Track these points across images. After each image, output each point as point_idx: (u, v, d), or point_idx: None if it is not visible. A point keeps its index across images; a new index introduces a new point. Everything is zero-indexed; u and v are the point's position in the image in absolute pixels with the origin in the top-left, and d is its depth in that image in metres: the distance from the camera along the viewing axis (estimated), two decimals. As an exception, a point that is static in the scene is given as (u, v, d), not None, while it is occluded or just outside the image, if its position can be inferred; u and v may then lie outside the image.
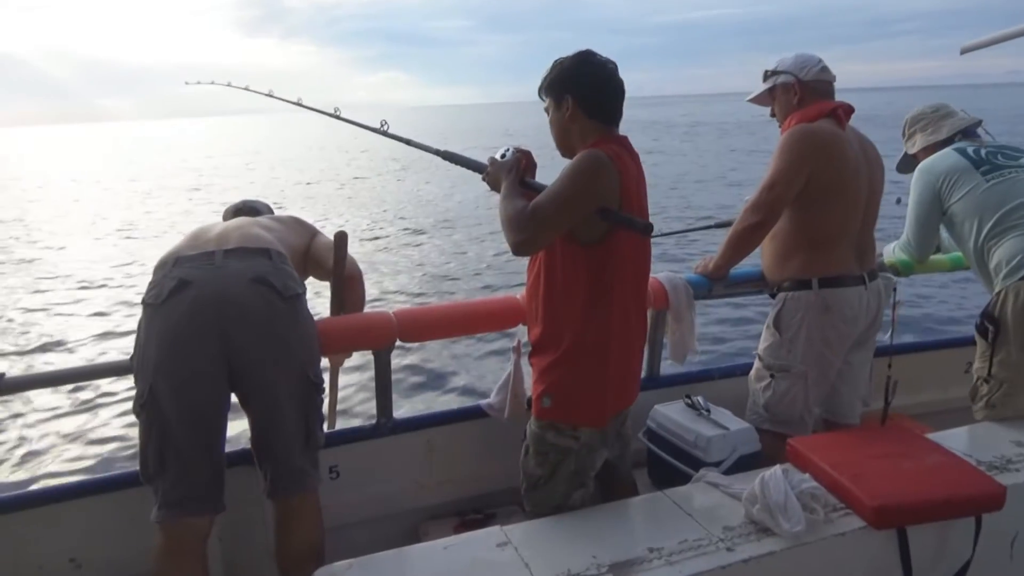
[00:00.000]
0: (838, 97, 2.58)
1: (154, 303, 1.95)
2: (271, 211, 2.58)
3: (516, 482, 2.60)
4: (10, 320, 8.67)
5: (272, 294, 1.98)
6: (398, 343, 2.42)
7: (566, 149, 2.05)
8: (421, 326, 2.46)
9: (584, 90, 1.98)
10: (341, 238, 2.29)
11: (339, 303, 2.37)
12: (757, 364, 2.62)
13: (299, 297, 2.08)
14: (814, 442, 2.22)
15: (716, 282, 2.73)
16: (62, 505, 2.21)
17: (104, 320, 8.43)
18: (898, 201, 3.02)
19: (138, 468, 1.99)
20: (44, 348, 7.45)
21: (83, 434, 5.17)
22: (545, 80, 2.05)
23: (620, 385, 2.06)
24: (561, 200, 1.84)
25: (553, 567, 1.71)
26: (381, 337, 2.36)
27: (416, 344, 5.03)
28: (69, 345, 7.46)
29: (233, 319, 1.93)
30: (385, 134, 2.33)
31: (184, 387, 1.90)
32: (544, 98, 2.07)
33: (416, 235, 13.74)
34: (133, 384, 1.97)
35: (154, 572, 1.94)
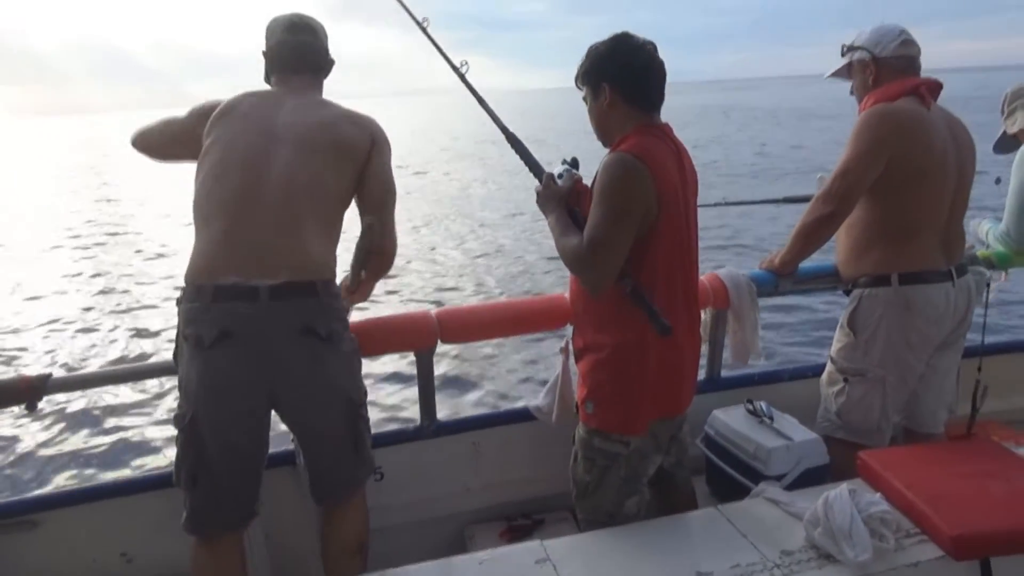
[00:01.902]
0: (938, 77, 2.32)
1: (196, 345, 1.85)
2: (325, 39, 2.22)
3: (565, 487, 2.50)
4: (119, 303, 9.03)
5: (317, 342, 1.91)
6: (440, 344, 2.35)
7: (606, 138, 1.95)
8: (464, 326, 2.37)
9: (622, 76, 1.87)
10: (369, 228, 2.07)
11: (359, 269, 2.12)
12: (829, 367, 2.42)
13: (344, 325, 2.02)
14: (888, 457, 2.03)
15: (783, 278, 2.54)
16: (114, 501, 2.25)
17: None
18: (997, 181, 2.74)
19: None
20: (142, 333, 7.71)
21: (135, 432, 5.34)
22: (581, 68, 1.95)
23: (665, 390, 1.93)
24: (609, 224, 1.77)
25: None
26: (422, 338, 2.29)
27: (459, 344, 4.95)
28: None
29: (279, 378, 1.89)
30: (462, 77, 2.12)
31: (224, 428, 1.88)
32: (581, 87, 1.97)
33: (460, 228, 13.65)
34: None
35: (191, 572, 1.95)
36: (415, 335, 2.29)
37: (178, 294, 1.93)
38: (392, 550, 2.09)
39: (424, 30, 2.16)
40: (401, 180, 2.25)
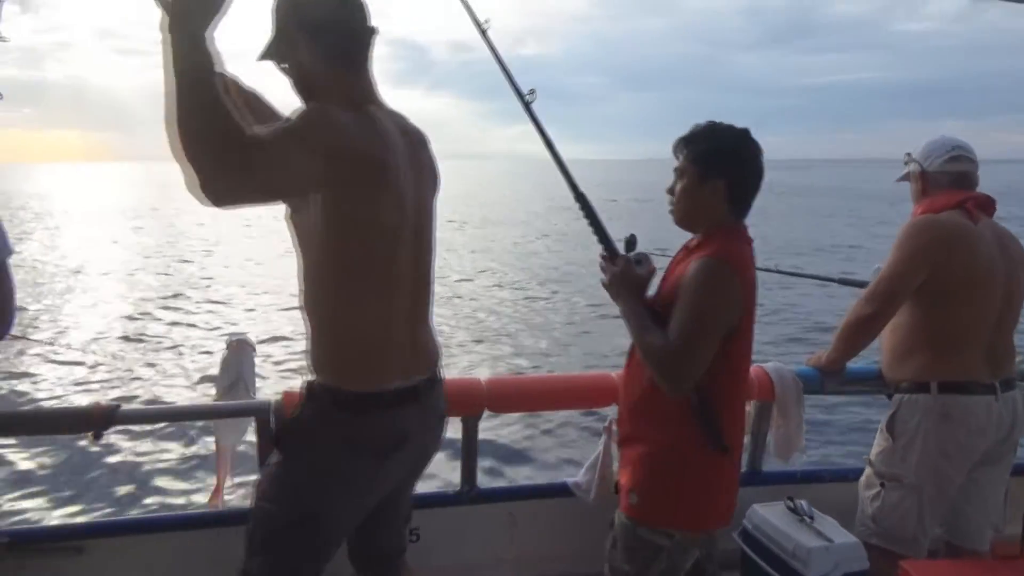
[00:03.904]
0: (1002, 169, 2.36)
1: (368, 452, 1.69)
2: None
3: (596, 567, 2.50)
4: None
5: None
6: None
7: (688, 222, 1.93)
8: (512, 397, 2.43)
9: (738, 179, 1.85)
10: None
11: None
12: (868, 470, 2.41)
13: None
14: (932, 569, 2.00)
15: (829, 376, 2.55)
16: (153, 536, 2.32)
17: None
18: None
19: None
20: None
21: (182, 470, 5.41)
22: (696, 147, 1.87)
23: (714, 500, 1.91)
24: (700, 329, 1.75)
25: None
26: (471, 405, 2.35)
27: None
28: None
29: (420, 466, 1.90)
30: (527, 107, 1.97)
31: (353, 522, 1.80)
32: (681, 158, 1.90)
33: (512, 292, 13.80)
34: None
35: None
36: (464, 401, 2.34)
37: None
38: None
39: (507, 74, 1.98)
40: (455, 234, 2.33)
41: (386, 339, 1.67)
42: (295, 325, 11.25)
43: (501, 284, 14.99)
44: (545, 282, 15.10)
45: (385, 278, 1.65)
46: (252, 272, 16.25)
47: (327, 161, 1.51)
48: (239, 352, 2.02)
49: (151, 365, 8.53)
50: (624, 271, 1.91)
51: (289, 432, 1.72)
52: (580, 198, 1.98)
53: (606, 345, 9.30)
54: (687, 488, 1.85)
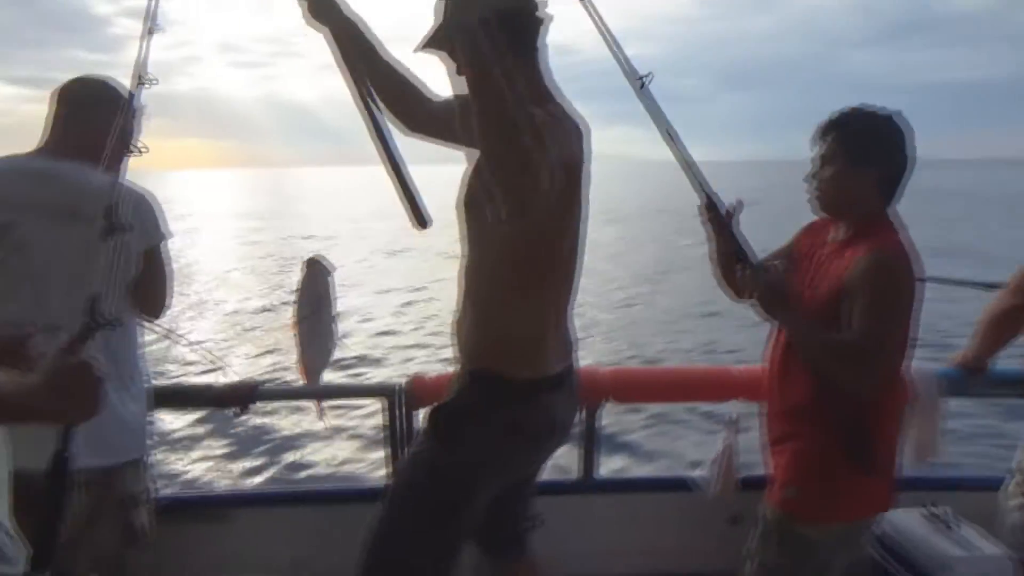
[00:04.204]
0: None
1: (527, 436, 1.72)
2: None
3: (715, 562, 2.44)
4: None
5: None
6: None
7: (837, 210, 1.86)
8: (634, 387, 2.42)
9: (891, 164, 1.78)
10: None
11: None
12: (1014, 479, 2.24)
13: None
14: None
15: (974, 378, 2.39)
16: (294, 508, 2.47)
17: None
18: None
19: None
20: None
21: (324, 446, 5.69)
22: (847, 130, 1.79)
23: (881, 494, 1.87)
24: (894, 326, 1.70)
25: None
26: (593, 393, 2.35)
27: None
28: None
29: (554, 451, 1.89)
30: (642, 87, 1.76)
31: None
32: (829, 141, 1.81)
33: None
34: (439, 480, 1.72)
35: None
36: (587, 389, 2.35)
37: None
38: None
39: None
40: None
41: (547, 327, 1.70)
42: (408, 316, 11.67)
43: (606, 280, 14.90)
44: (643, 281, 14.96)
45: (557, 272, 1.68)
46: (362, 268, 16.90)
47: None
48: (317, 272, 2.04)
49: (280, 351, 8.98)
50: (777, 281, 1.83)
51: (449, 418, 1.71)
52: (710, 204, 1.88)
53: (702, 341, 9.10)
54: (845, 484, 1.80)
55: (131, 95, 1.58)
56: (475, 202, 1.63)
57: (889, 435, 1.84)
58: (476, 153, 1.56)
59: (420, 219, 1.75)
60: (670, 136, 1.84)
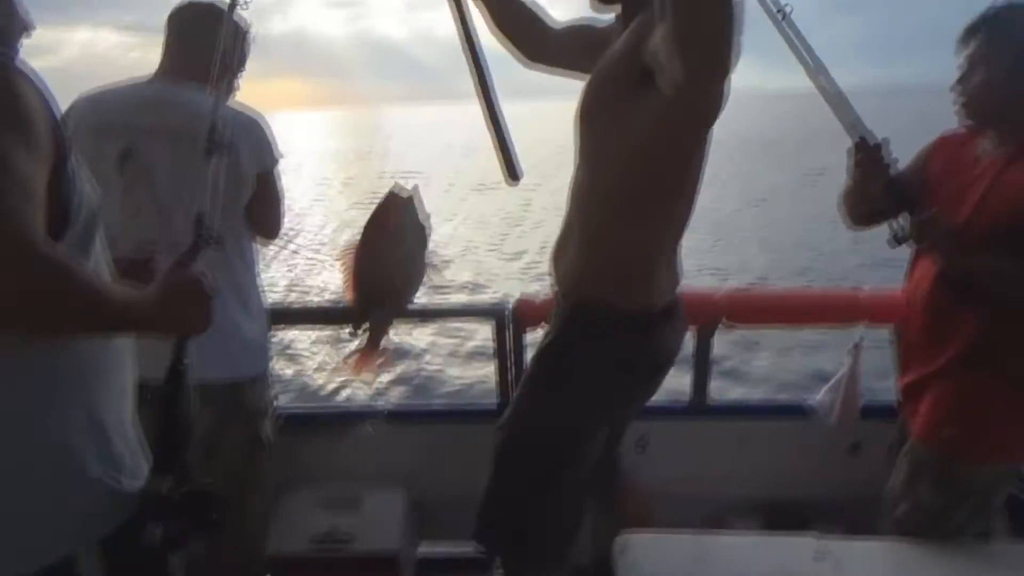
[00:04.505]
0: None
1: (637, 371, 1.66)
2: None
3: (834, 492, 2.37)
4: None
5: None
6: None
7: (988, 119, 1.69)
8: (751, 309, 2.33)
9: None
10: None
11: None
12: None
13: None
14: None
15: None
16: (407, 424, 2.55)
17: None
18: None
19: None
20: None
21: (436, 365, 5.88)
22: (1002, 29, 1.62)
23: None
24: None
25: None
26: (708, 315, 2.29)
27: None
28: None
29: None
30: (784, 19, 1.64)
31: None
32: (978, 42, 1.65)
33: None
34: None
35: None
36: (701, 312, 2.29)
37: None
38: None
39: None
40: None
41: (662, 255, 1.61)
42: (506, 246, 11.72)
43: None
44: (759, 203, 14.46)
45: (682, 196, 1.55)
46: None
47: None
48: (400, 203, 2.03)
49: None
50: (937, 220, 1.66)
51: (556, 358, 1.64)
52: (864, 144, 1.70)
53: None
54: (1010, 423, 1.69)
55: (232, 4, 1.57)
56: (595, 112, 1.53)
57: None
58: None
59: (513, 173, 1.69)
60: (816, 69, 1.69)
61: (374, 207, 2.08)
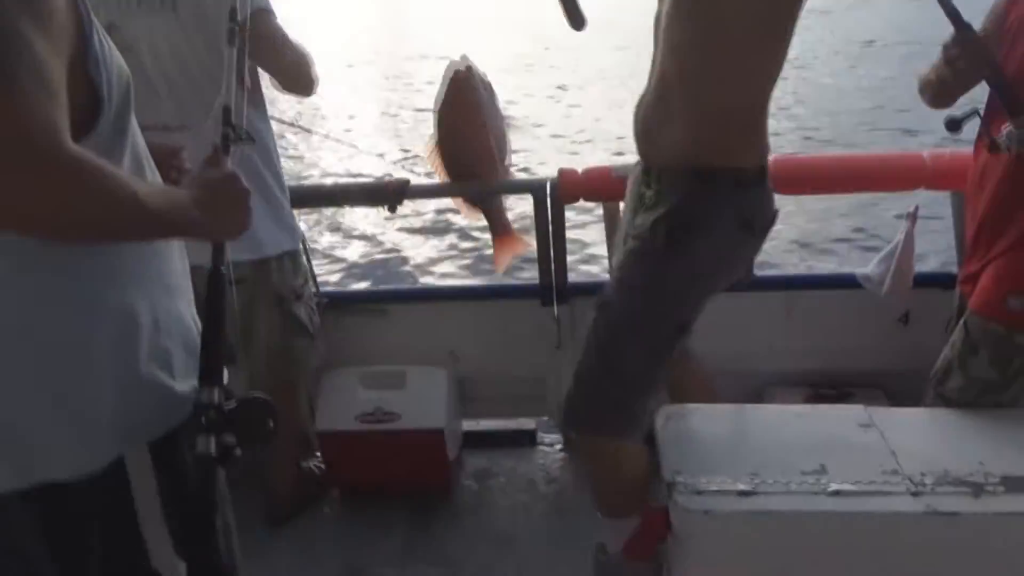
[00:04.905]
0: None
1: (757, 231, 1.58)
2: None
3: (881, 363, 2.34)
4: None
5: None
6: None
7: None
8: (800, 177, 2.21)
9: None
10: None
11: None
12: None
13: None
14: None
15: None
16: (449, 304, 2.56)
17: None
18: None
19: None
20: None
21: (470, 244, 5.84)
22: None
23: None
24: None
25: (926, 462, 1.50)
26: None
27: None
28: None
29: None
30: None
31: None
32: None
33: None
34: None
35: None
36: None
37: None
38: None
39: None
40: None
41: (766, 106, 1.50)
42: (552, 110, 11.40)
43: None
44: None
45: (784, 41, 1.44)
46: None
47: None
48: (465, 79, 1.93)
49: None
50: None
51: (678, 229, 1.51)
52: (966, 36, 1.56)
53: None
54: None
55: None
56: None
57: None
58: None
59: (577, 20, 1.55)
60: None
61: (440, 90, 1.99)
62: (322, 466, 2.39)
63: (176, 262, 1.14)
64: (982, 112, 1.68)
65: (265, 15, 1.85)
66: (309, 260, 2.44)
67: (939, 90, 1.74)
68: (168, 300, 1.10)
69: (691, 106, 1.48)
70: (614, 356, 1.57)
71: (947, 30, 1.59)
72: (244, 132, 1.22)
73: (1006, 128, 1.55)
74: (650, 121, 1.56)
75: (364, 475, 2.35)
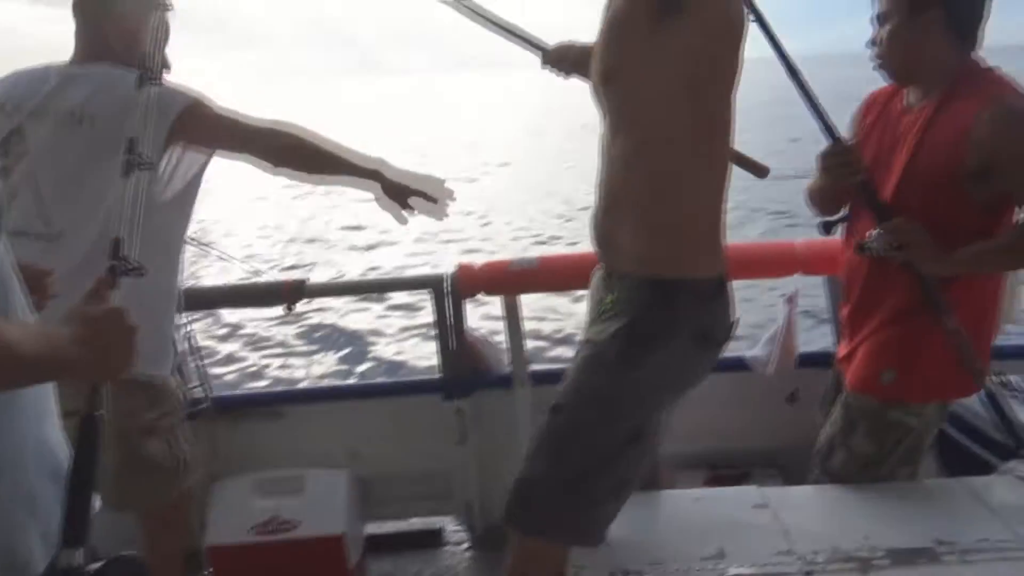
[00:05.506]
0: None
1: (714, 343, 1.55)
2: None
3: (774, 442, 2.42)
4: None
5: None
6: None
7: (909, 73, 1.70)
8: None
9: (961, 5, 1.61)
10: None
11: None
12: None
13: None
14: None
15: None
16: (346, 403, 2.50)
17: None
18: None
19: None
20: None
21: (373, 341, 5.81)
22: None
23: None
24: None
25: (816, 540, 1.55)
26: None
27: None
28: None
29: None
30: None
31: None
32: (883, 8, 1.68)
33: None
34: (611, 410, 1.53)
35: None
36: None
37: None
38: None
39: None
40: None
41: (717, 216, 1.50)
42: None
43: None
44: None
45: (717, 154, 1.49)
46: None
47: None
48: None
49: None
50: (919, 231, 1.63)
51: (633, 340, 1.48)
52: (840, 146, 1.71)
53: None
54: (940, 362, 1.71)
55: None
56: (617, 66, 1.45)
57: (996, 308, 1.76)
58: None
59: (760, 170, 1.75)
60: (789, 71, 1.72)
61: None
62: (213, 584, 2.23)
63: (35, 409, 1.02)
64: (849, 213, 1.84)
65: (197, 107, 1.78)
66: (200, 362, 2.35)
67: (821, 197, 1.89)
68: (37, 428, 1.00)
69: (639, 220, 1.49)
70: (562, 462, 1.53)
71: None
72: (135, 264, 1.16)
73: (872, 234, 1.68)
74: (604, 227, 1.57)
75: (260, 590, 2.21)
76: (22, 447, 0.96)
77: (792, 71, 1.71)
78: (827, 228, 1.87)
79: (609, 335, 1.50)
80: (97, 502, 1.00)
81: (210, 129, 1.81)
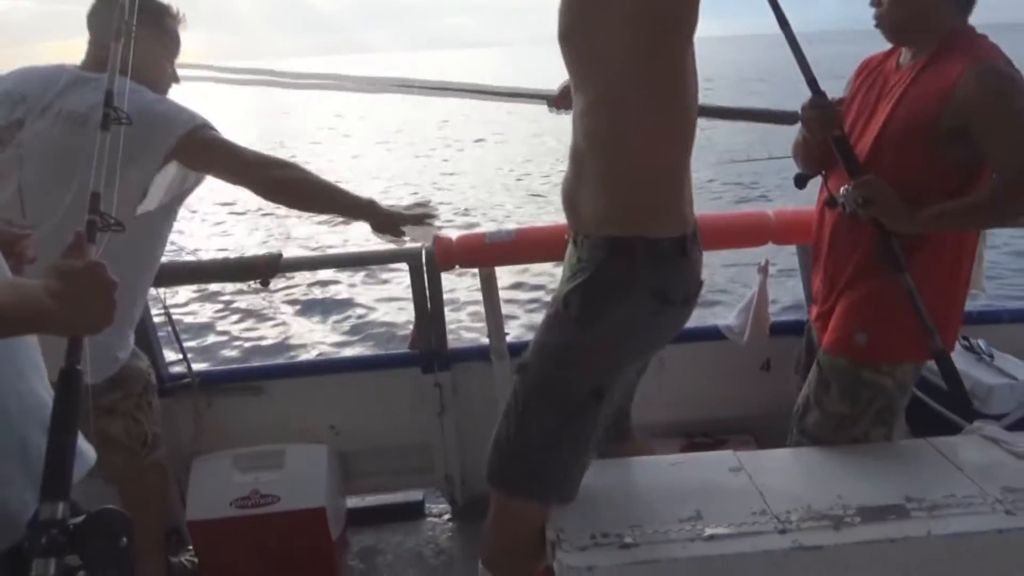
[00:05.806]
0: None
1: (674, 302, 1.54)
2: None
3: (749, 409, 2.47)
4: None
5: None
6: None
7: (905, 33, 1.73)
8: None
9: None
10: None
11: None
12: None
13: None
14: None
15: None
16: (326, 377, 2.50)
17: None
18: None
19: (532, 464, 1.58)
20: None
21: (352, 314, 5.80)
22: None
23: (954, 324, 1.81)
24: None
25: (791, 500, 1.58)
26: None
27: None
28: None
29: None
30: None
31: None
32: None
33: None
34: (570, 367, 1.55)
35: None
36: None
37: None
38: None
39: None
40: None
41: (685, 174, 1.51)
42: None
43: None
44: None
45: (680, 101, 1.46)
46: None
47: None
48: None
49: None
50: (886, 188, 1.67)
51: (588, 299, 1.51)
52: (821, 101, 1.75)
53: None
54: (911, 322, 1.72)
55: None
56: (570, 32, 1.46)
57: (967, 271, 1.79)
58: None
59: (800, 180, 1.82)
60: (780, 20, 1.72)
61: None
62: (195, 560, 2.24)
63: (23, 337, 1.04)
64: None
65: (198, 132, 1.82)
66: (179, 339, 2.33)
67: (804, 151, 1.91)
68: (18, 381, 1.02)
69: (601, 174, 1.49)
70: (529, 419, 1.55)
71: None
72: (112, 219, 1.16)
73: (844, 189, 1.72)
74: (571, 190, 1.57)
75: (242, 564, 2.21)
76: (3, 400, 0.97)
77: (781, 21, 1.72)
78: (801, 182, 1.91)
79: (564, 293, 1.54)
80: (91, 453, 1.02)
81: (208, 156, 1.86)
